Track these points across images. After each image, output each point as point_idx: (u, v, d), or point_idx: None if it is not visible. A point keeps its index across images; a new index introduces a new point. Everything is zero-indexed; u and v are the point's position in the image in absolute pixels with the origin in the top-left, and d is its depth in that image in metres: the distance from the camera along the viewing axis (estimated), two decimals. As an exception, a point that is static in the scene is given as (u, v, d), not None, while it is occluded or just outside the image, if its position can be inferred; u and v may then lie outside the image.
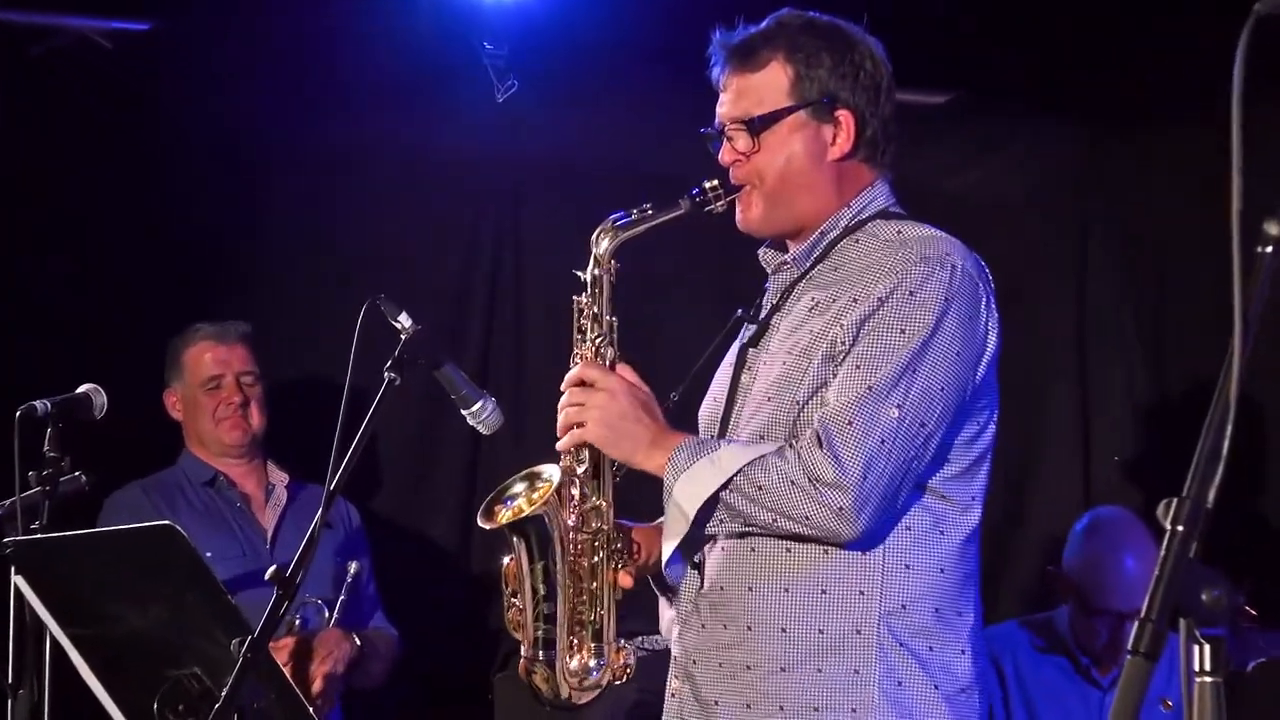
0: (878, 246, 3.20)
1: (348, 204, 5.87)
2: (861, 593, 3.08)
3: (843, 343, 3.08)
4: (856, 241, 3.23)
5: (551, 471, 3.22)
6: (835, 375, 3.08)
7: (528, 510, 3.20)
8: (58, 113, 5.54)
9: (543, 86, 5.79)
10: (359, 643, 4.97)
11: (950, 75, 5.88)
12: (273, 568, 3.37)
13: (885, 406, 3.02)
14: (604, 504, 3.21)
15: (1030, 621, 5.37)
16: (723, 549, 3.19)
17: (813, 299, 3.21)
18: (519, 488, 3.26)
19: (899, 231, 3.22)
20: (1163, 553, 1.91)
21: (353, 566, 5.04)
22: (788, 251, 3.32)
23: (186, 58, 5.53)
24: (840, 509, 2.99)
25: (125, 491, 5.10)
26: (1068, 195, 6.28)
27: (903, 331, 3.06)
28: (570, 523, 3.20)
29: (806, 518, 3.02)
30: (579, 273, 3.25)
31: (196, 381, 5.17)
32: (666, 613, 3.34)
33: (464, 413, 3.63)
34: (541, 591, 3.20)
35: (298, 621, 4.91)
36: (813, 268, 3.25)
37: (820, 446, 3.00)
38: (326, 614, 4.97)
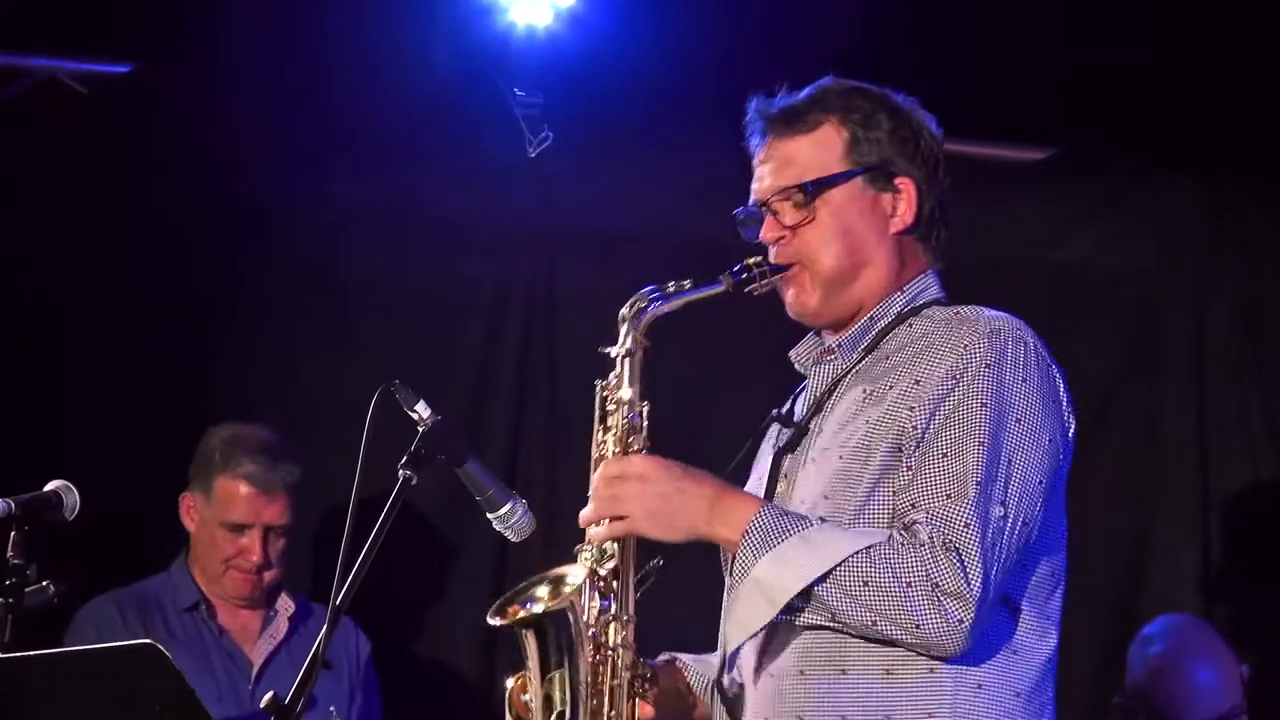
0: (934, 328, 3.23)
1: (359, 273, 5.86)
2: (929, 715, 3.07)
3: (914, 428, 3.10)
4: (910, 327, 3.27)
5: (577, 573, 3.20)
6: (915, 466, 3.08)
7: (550, 605, 3.16)
8: (23, 168, 5.51)
9: (580, 138, 5.79)
10: None
11: (1050, 128, 5.74)
12: (269, 694, 3.31)
13: (992, 505, 3.03)
14: (626, 617, 3.19)
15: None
16: (770, 675, 3.16)
17: (864, 390, 3.22)
18: (540, 590, 3.22)
19: (956, 313, 3.26)
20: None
21: (332, 711, 4.86)
22: (823, 339, 3.36)
23: (174, 106, 5.55)
24: (960, 621, 2.98)
25: (96, 604, 5.02)
26: (1186, 265, 6.22)
27: (984, 406, 3.07)
28: (593, 633, 3.18)
29: (917, 626, 2.99)
30: (607, 349, 3.28)
31: (218, 517, 5.08)
32: None
33: (490, 516, 3.60)
34: (560, 708, 3.14)
35: None
36: (861, 359, 3.28)
37: (943, 549, 2.98)
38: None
